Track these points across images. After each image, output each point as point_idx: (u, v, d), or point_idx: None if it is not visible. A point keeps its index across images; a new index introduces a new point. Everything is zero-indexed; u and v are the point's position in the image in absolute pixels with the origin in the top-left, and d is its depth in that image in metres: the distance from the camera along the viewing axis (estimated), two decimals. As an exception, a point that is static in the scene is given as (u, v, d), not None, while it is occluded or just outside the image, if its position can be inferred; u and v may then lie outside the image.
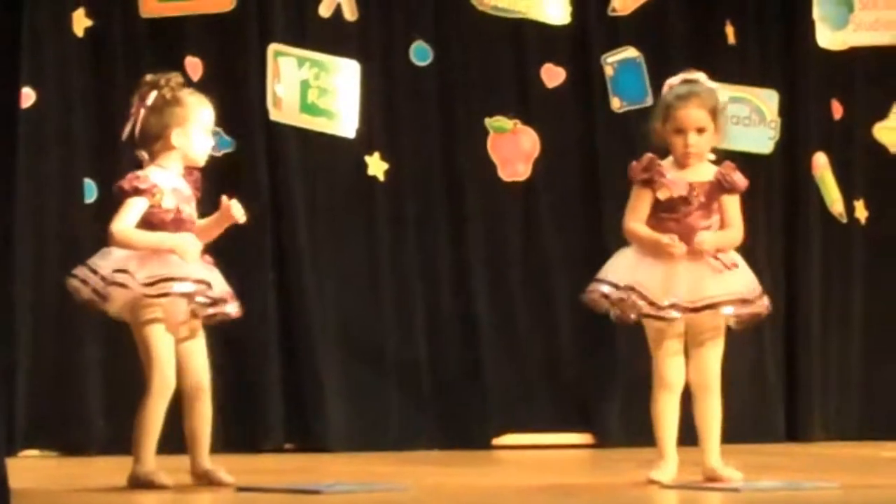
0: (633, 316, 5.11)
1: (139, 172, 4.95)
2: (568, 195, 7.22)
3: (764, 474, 5.20)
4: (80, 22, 6.58)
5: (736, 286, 5.07)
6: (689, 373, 5.09)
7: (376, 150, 6.96)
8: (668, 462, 5.02)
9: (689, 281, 5.01)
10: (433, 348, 7.11)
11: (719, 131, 5.17)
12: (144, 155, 5.01)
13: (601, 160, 7.21)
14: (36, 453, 6.30)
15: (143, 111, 5.01)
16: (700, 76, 5.31)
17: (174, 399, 5.16)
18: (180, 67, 6.40)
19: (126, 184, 4.92)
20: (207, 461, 4.98)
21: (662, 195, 5.08)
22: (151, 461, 4.89)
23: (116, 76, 6.70)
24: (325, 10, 6.87)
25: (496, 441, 7.02)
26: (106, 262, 4.93)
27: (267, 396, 6.81)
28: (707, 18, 7.38)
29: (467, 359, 7.14)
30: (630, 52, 7.17)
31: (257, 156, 6.84)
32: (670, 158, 5.11)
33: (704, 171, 5.09)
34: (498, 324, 7.19)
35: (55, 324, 6.51)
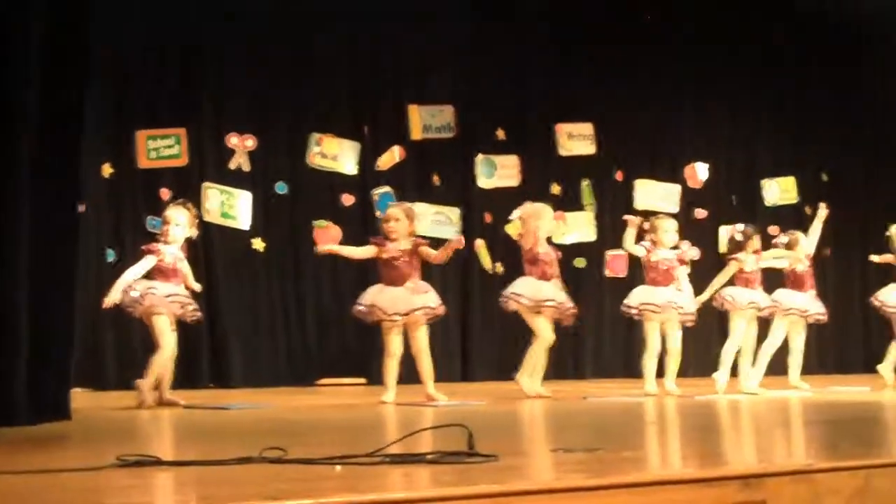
0: (375, 320, 5.31)
1: (154, 244, 5.23)
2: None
3: (453, 397, 5.37)
4: (107, 170, 7.11)
5: (428, 301, 5.35)
6: (412, 343, 5.29)
7: (259, 236, 7.43)
8: (390, 392, 5.28)
9: (403, 300, 5.25)
10: (287, 335, 7.51)
11: (412, 224, 5.43)
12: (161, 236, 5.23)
13: (368, 242, 6.57)
14: (79, 390, 6.17)
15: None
16: (406, 203, 5.63)
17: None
18: (158, 196, 6.91)
19: (145, 247, 5.27)
20: (167, 392, 5.20)
21: (385, 255, 5.35)
22: (148, 388, 5.04)
23: (125, 197, 7.17)
24: (233, 165, 7.37)
25: (318, 382, 7.41)
26: (130, 292, 5.14)
27: (199, 358, 7.15)
28: (421, 171, 7.93)
29: (303, 339, 7.54)
30: (386, 188, 7.67)
31: (199, 238, 6.44)
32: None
33: (407, 244, 5.38)
34: (319, 323, 7.60)
35: (88, 322, 6.61)
